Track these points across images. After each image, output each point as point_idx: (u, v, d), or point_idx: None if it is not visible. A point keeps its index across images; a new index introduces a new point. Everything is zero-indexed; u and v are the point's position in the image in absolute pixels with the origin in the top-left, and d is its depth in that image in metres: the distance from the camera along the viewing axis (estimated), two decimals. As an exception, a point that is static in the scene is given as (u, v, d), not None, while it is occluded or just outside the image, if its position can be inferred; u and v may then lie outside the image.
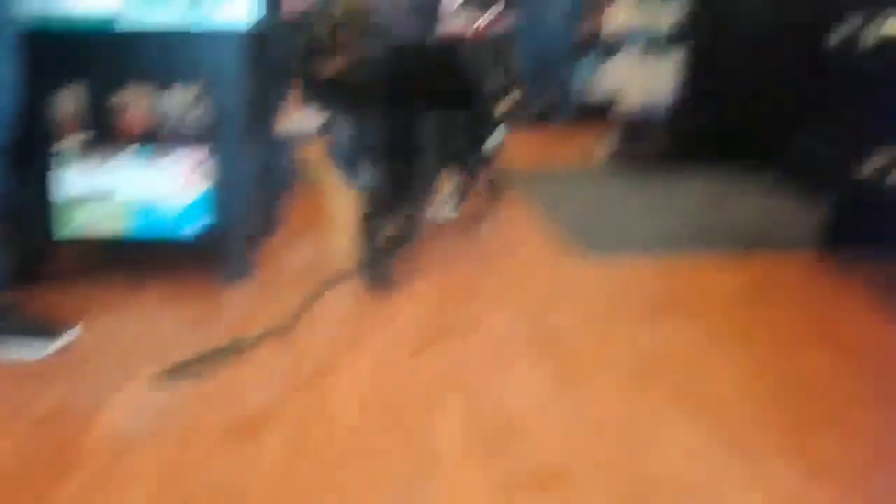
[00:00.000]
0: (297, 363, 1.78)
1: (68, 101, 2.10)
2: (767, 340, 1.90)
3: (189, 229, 2.13)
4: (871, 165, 2.01)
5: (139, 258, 2.29)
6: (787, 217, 2.94)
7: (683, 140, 3.81)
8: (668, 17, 4.25)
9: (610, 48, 4.91)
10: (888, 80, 2.21)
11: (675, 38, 4.22)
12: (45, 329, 1.77)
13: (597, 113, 4.74)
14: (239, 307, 2.08)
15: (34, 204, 2.05)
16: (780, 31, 3.52)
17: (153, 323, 1.99)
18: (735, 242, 2.63)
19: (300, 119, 3.23)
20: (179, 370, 1.68)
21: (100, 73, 2.09)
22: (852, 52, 2.18)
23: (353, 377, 1.72)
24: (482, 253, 2.57)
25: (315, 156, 3.53)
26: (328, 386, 1.68)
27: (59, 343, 1.76)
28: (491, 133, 2.60)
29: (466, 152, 2.54)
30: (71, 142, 2.12)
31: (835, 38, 2.26)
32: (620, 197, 3.26)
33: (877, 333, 1.95)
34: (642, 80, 4.17)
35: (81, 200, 2.09)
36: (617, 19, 4.69)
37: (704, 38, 4.17)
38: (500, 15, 3.85)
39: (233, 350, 1.77)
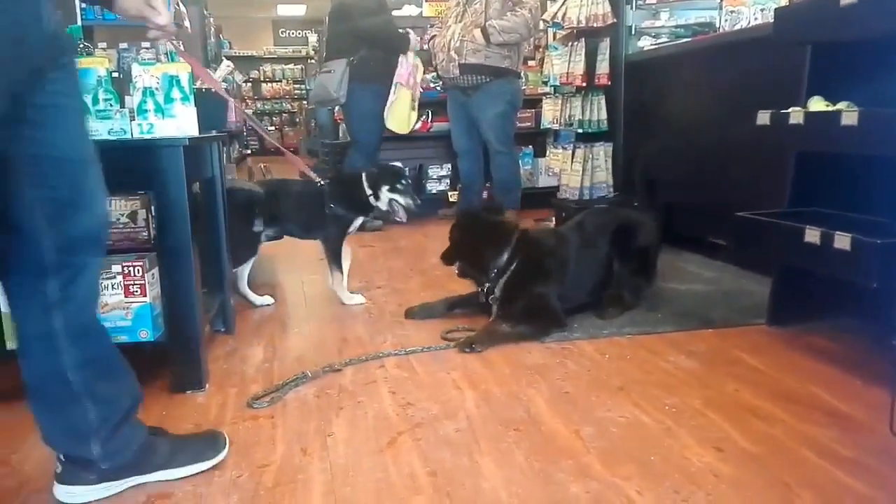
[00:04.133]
0: (262, 459, 1.66)
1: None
2: (729, 413, 1.87)
3: (137, 338, 2.05)
4: (814, 232, 2.05)
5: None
6: (733, 294, 2.99)
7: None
8: (596, 113, 4.46)
9: (546, 140, 5.12)
10: (819, 150, 2.33)
11: (606, 131, 4.42)
12: None
13: (542, 199, 4.97)
14: (192, 415, 1.94)
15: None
16: (704, 117, 3.71)
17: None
18: (685, 322, 2.63)
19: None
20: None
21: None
22: (782, 128, 2.28)
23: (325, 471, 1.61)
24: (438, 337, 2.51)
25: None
26: (300, 482, 1.57)
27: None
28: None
29: None
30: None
31: (762, 117, 2.36)
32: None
33: (831, 397, 1.94)
34: (578, 169, 4.31)
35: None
36: (548, 115, 4.89)
37: (632, 130, 4.39)
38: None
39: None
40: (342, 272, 3.04)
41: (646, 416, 1.87)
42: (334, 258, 3.02)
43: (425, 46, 5.05)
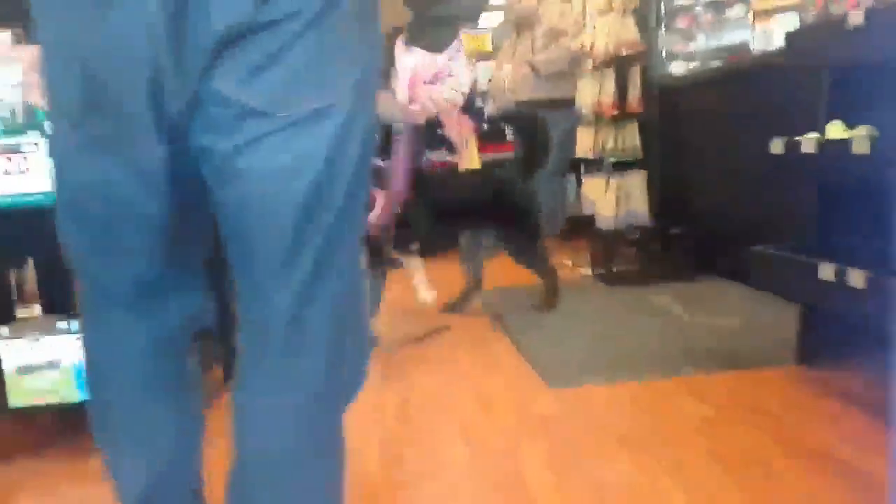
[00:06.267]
0: None
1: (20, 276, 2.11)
2: (733, 466, 1.75)
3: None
4: (828, 268, 1.91)
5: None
6: (766, 328, 2.83)
7: (657, 256, 3.79)
8: (629, 141, 4.36)
9: (581, 169, 5.03)
10: (835, 178, 2.20)
11: (638, 160, 4.31)
12: None
13: (583, 228, 4.80)
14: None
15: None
16: (734, 145, 3.56)
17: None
18: (707, 363, 2.50)
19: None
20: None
21: (47, 248, 2.09)
22: (795, 156, 2.15)
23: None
24: (447, 380, 2.46)
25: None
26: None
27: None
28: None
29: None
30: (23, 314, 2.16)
31: (777, 145, 2.24)
32: (590, 317, 3.16)
33: (853, 451, 1.79)
34: (611, 198, 4.19)
35: (30, 370, 2.05)
36: (583, 144, 4.80)
37: (664, 161, 4.27)
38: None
39: None
40: None
41: (643, 474, 1.76)
42: None
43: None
